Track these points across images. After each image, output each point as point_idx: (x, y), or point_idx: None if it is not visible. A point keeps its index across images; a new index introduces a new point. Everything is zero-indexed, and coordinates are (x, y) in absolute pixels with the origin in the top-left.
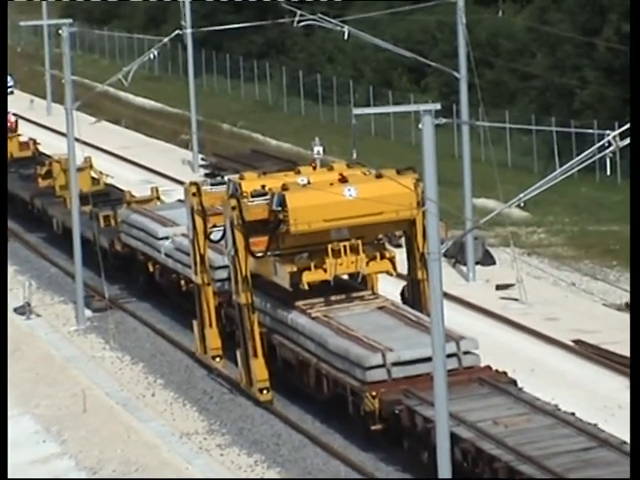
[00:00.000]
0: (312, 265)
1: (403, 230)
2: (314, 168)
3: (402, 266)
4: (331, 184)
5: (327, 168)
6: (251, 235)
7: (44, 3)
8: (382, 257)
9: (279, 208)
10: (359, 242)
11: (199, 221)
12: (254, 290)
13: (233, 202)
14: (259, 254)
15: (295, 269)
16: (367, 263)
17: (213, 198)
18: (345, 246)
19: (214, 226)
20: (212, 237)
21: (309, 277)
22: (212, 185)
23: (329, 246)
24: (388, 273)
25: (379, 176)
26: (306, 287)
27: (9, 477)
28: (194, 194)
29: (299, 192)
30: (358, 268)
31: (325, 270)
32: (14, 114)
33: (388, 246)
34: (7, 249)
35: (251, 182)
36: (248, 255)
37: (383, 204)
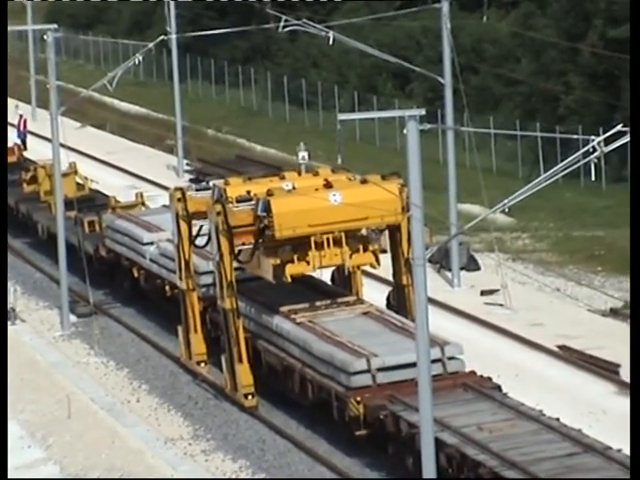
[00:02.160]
0: (295, 258)
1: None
2: (299, 173)
3: (387, 272)
4: (316, 189)
5: (312, 173)
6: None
7: (29, 9)
8: (365, 250)
9: (264, 213)
10: (342, 235)
11: (184, 226)
12: (239, 295)
13: (218, 207)
14: (243, 248)
15: (278, 262)
16: (350, 256)
17: (198, 203)
18: (328, 238)
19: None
20: (197, 243)
21: (292, 270)
22: (197, 190)
23: (312, 238)
24: (371, 266)
25: (364, 181)
26: (289, 280)
27: (9, 477)
28: (179, 199)
29: (284, 197)
30: (341, 261)
31: (308, 263)
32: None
33: None
34: (7, 256)
35: (236, 187)
36: (233, 260)
37: (368, 209)
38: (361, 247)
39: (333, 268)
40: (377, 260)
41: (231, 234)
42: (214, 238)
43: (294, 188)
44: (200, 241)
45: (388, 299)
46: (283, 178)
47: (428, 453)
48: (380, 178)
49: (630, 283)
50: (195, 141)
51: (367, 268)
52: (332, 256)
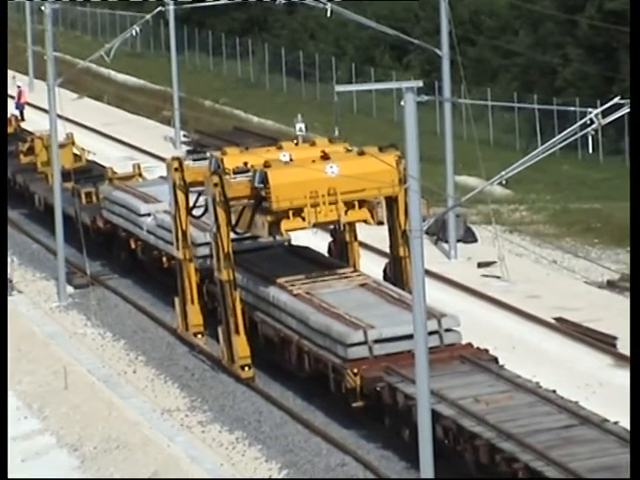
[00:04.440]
0: (290, 214)
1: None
2: (296, 144)
3: (384, 243)
4: (313, 161)
5: (309, 144)
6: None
7: None
8: (361, 206)
9: (261, 185)
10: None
11: (181, 196)
12: (236, 267)
13: (215, 179)
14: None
15: (273, 218)
16: (346, 212)
17: (195, 173)
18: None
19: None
20: (194, 213)
21: (287, 225)
22: (194, 160)
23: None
24: (366, 222)
25: (361, 153)
26: (285, 235)
27: (9, 477)
28: (176, 169)
29: (281, 169)
30: (336, 216)
31: (303, 218)
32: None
33: None
34: (7, 230)
35: (233, 158)
36: (230, 231)
37: (365, 181)
38: (356, 203)
39: (330, 240)
40: (372, 216)
41: (228, 205)
42: (211, 209)
43: (291, 160)
44: (197, 212)
45: (385, 271)
46: (280, 149)
47: (424, 425)
48: (377, 150)
49: (630, 249)
50: (192, 112)
51: (364, 239)
52: (327, 212)
